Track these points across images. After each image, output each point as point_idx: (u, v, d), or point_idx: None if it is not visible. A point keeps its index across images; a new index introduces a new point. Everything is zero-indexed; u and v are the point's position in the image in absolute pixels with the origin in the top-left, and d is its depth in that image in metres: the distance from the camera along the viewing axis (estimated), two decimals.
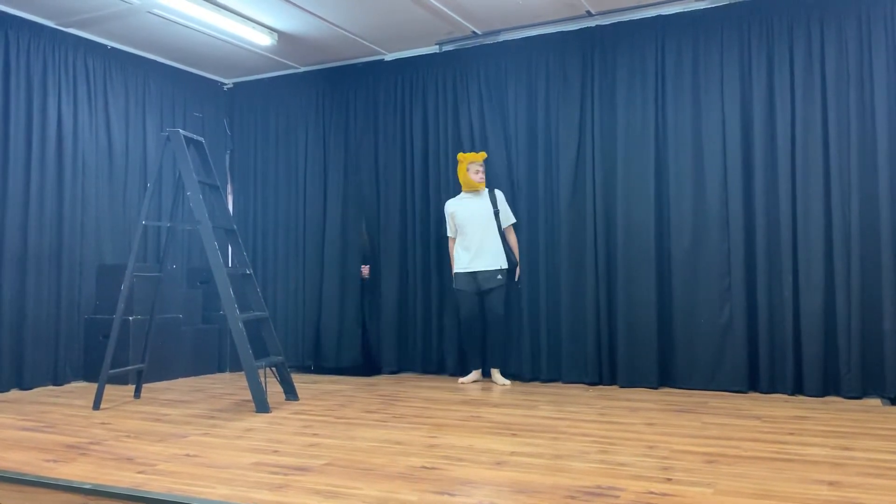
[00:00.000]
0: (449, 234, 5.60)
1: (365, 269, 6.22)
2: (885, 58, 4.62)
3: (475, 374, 5.50)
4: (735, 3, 5.03)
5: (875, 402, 4.45)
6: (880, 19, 4.65)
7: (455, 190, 5.77)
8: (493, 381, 5.43)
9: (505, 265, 5.39)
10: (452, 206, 5.54)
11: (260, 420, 3.98)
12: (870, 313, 4.56)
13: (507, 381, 5.39)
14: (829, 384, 4.67)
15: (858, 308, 4.57)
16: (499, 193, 5.51)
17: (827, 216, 4.73)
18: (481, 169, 5.46)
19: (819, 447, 3.20)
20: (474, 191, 5.46)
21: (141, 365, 4.81)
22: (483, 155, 5.49)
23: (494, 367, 5.45)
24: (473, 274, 5.37)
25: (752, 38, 4.97)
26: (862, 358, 4.56)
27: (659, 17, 5.24)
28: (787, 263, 4.80)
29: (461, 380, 5.49)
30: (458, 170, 5.53)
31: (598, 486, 2.59)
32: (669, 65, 5.20)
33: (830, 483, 2.61)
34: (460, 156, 5.49)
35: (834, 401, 4.52)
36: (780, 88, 4.88)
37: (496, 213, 5.44)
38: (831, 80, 4.75)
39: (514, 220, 5.53)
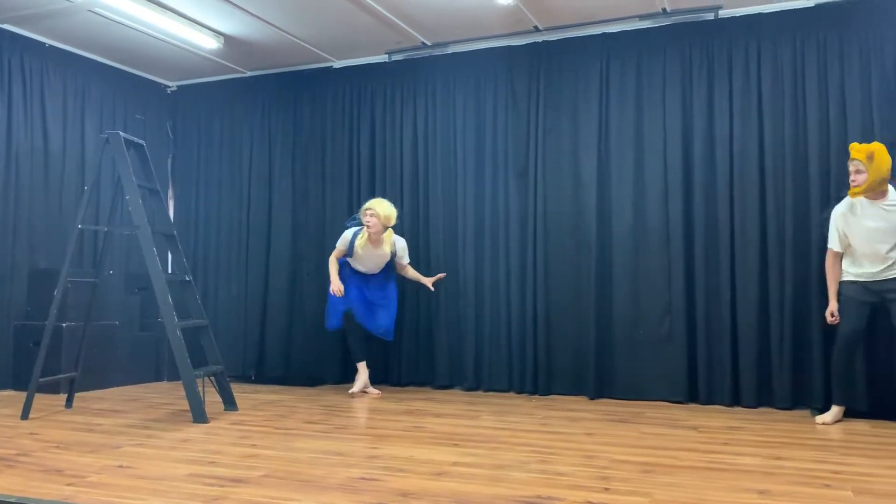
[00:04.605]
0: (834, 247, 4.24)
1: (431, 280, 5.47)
2: (816, 83, 4.79)
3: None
4: (677, 24, 5.16)
5: (805, 412, 4.60)
6: (813, 47, 4.82)
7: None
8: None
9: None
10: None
11: (197, 430, 3.90)
12: (800, 328, 4.72)
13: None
14: (763, 395, 4.80)
15: (790, 323, 4.73)
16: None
17: (762, 233, 4.87)
18: (852, 168, 4.00)
19: (751, 457, 3.29)
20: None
21: (73, 373, 4.66)
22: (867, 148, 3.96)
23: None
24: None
25: (693, 58, 5.11)
26: (792, 370, 4.71)
27: (604, 34, 5.35)
28: (725, 279, 4.92)
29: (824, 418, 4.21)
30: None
31: (538, 496, 2.61)
32: (614, 81, 5.31)
33: (760, 492, 2.69)
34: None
35: (767, 411, 4.66)
36: (720, 108, 5.02)
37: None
38: (767, 102, 4.91)
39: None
